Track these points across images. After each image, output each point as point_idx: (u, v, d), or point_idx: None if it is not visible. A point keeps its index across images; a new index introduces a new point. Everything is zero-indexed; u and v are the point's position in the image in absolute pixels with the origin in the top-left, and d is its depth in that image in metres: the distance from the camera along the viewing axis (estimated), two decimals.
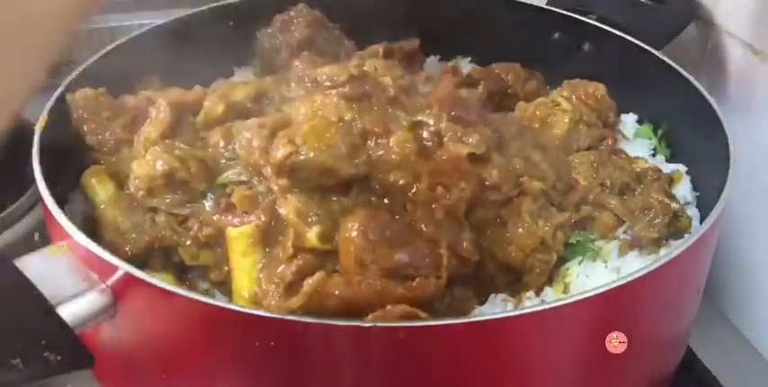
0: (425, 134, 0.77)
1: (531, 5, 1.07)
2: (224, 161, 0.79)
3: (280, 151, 0.69)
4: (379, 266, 0.67)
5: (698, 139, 0.87)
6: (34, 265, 0.65)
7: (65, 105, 0.84)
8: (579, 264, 0.78)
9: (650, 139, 0.95)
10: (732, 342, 0.98)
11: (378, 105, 0.80)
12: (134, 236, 0.77)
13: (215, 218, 0.75)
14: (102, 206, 0.79)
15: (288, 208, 0.70)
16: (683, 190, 0.87)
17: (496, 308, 0.74)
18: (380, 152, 0.74)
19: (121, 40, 0.94)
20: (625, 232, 0.81)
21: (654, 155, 0.94)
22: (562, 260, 0.78)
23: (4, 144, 0.77)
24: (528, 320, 0.62)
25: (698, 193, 0.87)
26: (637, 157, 0.89)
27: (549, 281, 0.77)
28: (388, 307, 0.64)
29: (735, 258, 0.97)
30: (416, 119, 0.78)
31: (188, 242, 0.76)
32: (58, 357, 0.61)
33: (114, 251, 0.69)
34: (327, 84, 0.83)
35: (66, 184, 0.82)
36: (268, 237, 0.72)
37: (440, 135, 0.77)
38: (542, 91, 0.99)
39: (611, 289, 0.64)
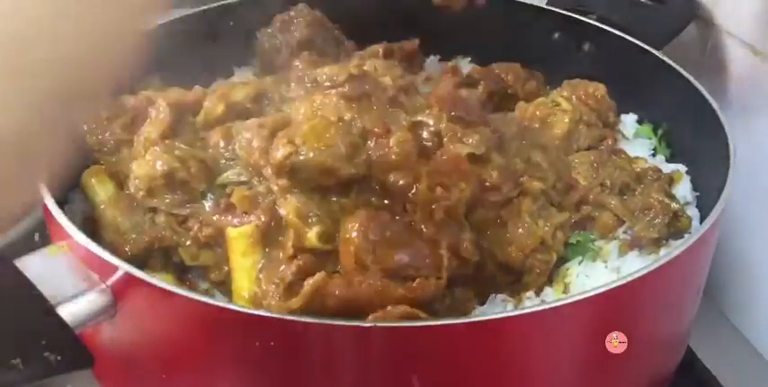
0: (425, 134, 0.77)
1: (531, 5, 1.07)
2: (224, 161, 0.79)
3: (279, 151, 0.69)
4: (379, 267, 0.67)
5: (698, 139, 0.87)
6: (34, 265, 0.65)
7: None
8: (579, 264, 0.78)
9: (650, 139, 0.95)
10: (732, 342, 0.98)
11: (377, 105, 0.80)
12: (134, 236, 0.77)
13: (215, 218, 0.75)
14: (101, 206, 0.79)
15: (288, 208, 0.70)
16: (683, 190, 0.86)
17: (496, 308, 0.74)
18: (380, 152, 0.74)
19: None
20: (625, 232, 0.81)
21: (654, 155, 0.94)
22: (562, 260, 0.78)
23: None
24: (528, 320, 0.62)
25: (698, 193, 0.87)
26: (637, 157, 0.89)
27: (549, 281, 0.77)
28: (389, 308, 0.64)
29: (735, 258, 0.97)
30: (416, 119, 0.78)
31: (188, 242, 0.76)
32: (58, 357, 0.61)
33: (114, 251, 0.69)
34: (327, 84, 0.83)
35: (66, 184, 0.82)
36: (268, 237, 0.72)
37: (440, 135, 0.77)
38: (542, 91, 0.99)
39: (611, 289, 0.64)
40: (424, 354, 0.62)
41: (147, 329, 0.68)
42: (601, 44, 1.00)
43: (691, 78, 0.89)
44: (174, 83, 0.91)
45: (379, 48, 0.98)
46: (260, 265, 0.71)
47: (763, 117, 0.91)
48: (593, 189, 0.82)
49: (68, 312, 0.64)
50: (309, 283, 0.66)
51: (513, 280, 0.76)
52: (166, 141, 0.79)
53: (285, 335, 0.61)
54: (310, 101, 0.79)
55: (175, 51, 0.92)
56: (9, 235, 0.91)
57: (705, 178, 0.86)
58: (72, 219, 0.69)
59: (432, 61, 1.09)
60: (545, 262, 0.76)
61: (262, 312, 0.64)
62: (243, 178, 0.77)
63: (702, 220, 0.79)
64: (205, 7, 1.02)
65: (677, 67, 0.91)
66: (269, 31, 1.01)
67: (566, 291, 0.76)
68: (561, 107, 0.90)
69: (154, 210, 0.78)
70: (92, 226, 0.78)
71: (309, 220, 0.70)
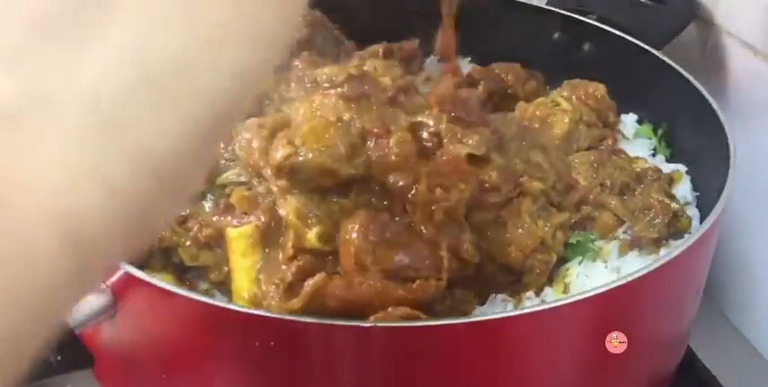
0: (425, 135, 0.77)
1: (531, 5, 1.07)
2: (223, 162, 0.79)
3: (279, 152, 0.69)
4: (379, 268, 0.66)
5: (698, 139, 0.87)
6: None
7: None
8: (579, 264, 0.78)
9: (650, 139, 0.95)
10: (732, 342, 0.98)
11: (377, 105, 0.80)
12: None
13: (214, 218, 0.75)
14: None
15: (287, 209, 0.70)
16: (683, 190, 0.86)
17: (496, 308, 0.74)
18: (380, 153, 0.74)
19: None
20: (625, 232, 0.81)
21: (654, 155, 0.94)
22: (562, 260, 0.78)
23: None
24: (528, 320, 0.62)
25: (698, 193, 0.87)
26: (637, 157, 0.89)
27: (549, 281, 0.77)
28: (390, 309, 0.64)
29: (735, 258, 0.97)
30: (416, 119, 0.78)
31: (188, 243, 0.76)
32: (58, 357, 0.61)
33: None
34: (326, 84, 0.83)
35: None
36: (268, 237, 0.72)
37: (439, 136, 0.77)
38: (542, 91, 0.99)
39: (611, 289, 0.64)
40: (424, 354, 0.62)
41: (147, 329, 0.68)
42: (601, 44, 1.00)
43: (691, 78, 0.89)
44: None
45: (378, 48, 0.97)
46: (259, 266, 0.71)
47: (763, 117, 0.91)
48: (594, 189, 0.82)
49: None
50: (309, 283, 0.66)
51: (513, 280, 0.76)
52: None
53: (285, 335, 0.61)
54: (309, 101, 0.79)
55: None
56: None
57: (705, 178, 0.86)
58: None
59: (432, 61, 1.09)
60: (545, 262, 0.75)
61: (262, 312, 0.64)
62: (242, 179, 0.77)
63: (702, 220, 0.79)
64: None
65: (677, 67, 0.91)
66: None
67: (566, 291, 0.76)
68: (561, 107, 0.90)
69: None
70: None
71: (309, 221, 0.70)
